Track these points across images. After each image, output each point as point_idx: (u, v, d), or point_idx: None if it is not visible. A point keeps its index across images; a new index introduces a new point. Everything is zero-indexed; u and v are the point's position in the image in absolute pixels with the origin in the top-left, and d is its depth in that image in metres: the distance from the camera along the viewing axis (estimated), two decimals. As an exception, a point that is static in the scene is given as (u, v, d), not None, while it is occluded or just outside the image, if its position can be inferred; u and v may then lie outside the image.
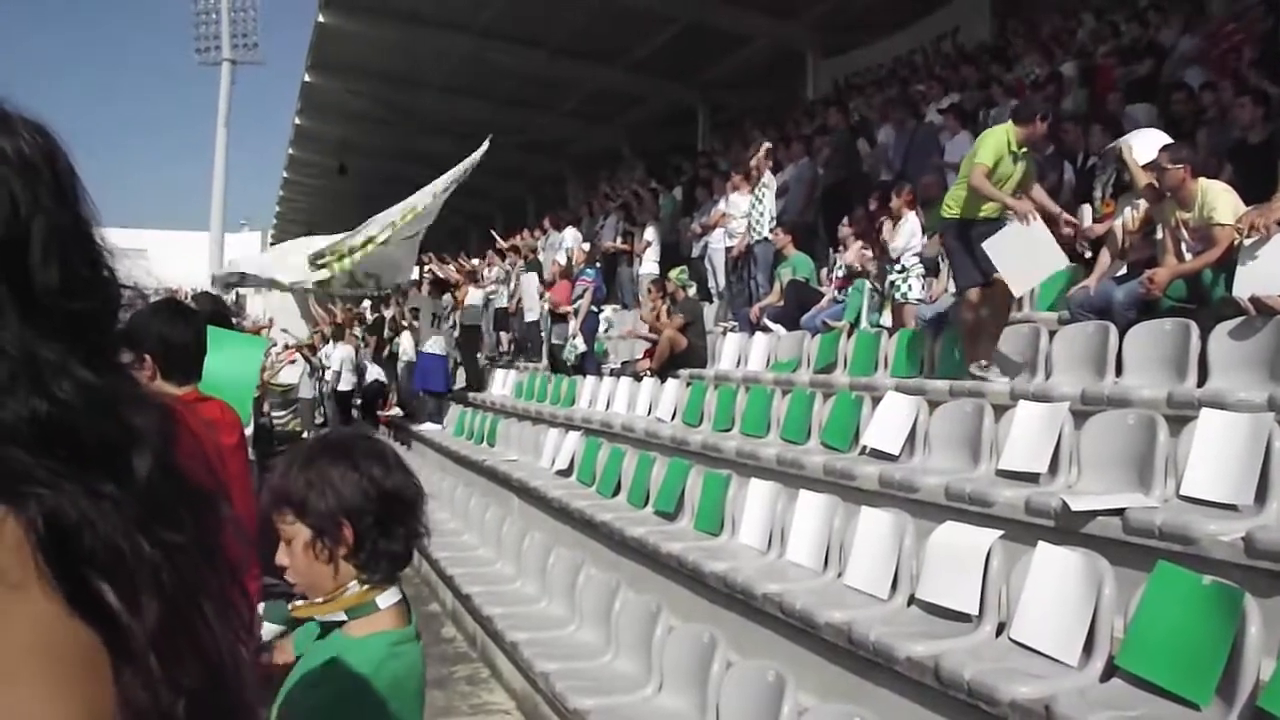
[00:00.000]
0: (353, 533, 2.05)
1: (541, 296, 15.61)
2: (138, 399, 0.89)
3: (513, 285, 18.65)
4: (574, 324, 13.97)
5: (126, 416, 0.86)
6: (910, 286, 9.22)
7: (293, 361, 23.15)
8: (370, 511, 2.05)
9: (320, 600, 2.09)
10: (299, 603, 2.15)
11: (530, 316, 15.99)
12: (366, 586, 2.08)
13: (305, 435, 21.49)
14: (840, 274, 10.62)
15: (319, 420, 21.33)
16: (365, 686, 1.95)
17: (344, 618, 2.07)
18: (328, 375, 20.25)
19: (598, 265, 15.32)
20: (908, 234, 9.36)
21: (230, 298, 18.11)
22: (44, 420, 0.81)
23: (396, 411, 18.86)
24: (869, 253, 10.23)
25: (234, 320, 7.98)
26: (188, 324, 3.49)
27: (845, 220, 10.91)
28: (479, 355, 18.19)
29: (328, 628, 2.14)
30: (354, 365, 20.00)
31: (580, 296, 14.07)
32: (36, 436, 0.80)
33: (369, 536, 2.06)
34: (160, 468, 0.86)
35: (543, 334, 16.04)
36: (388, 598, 2.09)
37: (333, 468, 2.07)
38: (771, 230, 11.88)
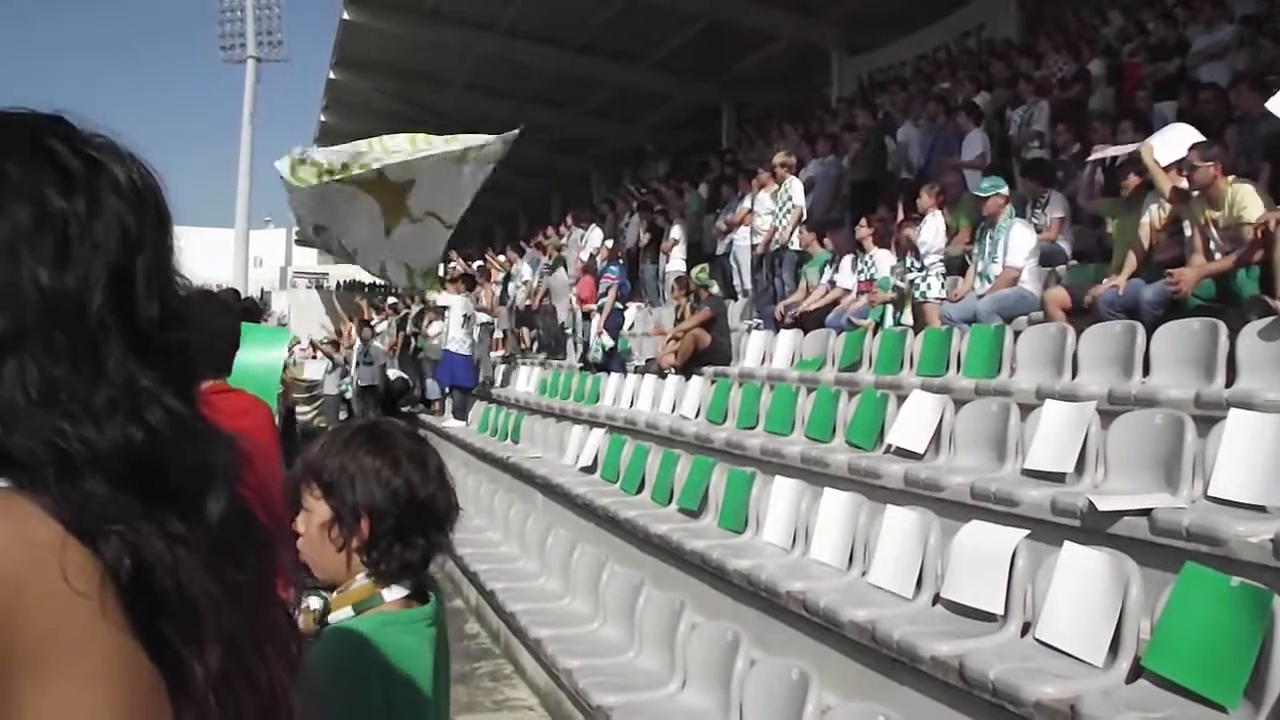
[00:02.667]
0: (370, 530, 2.01)
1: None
2: (213, 432, 0.91)
3: (536, 282, 18.72)
4: (598, 320, 13.99)
5: (207, 451, 0.88)
6: (929, 285, 9.19)
7: (314, 357, 23.27)
8: (393, 515, 2.01)
9: (334, 596, 2.06)
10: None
11: (561, 314, 16.05)
12: (374, 579, 2.04)
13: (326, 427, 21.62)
14: (863, 277, 10.57)
15: (344, 416, 21.43)
16: (327, 672, 1.87)
17: (351, 612, 2.02)
18: (353, 371, 20.35)
19: (621, 262, 15.33)
20: (932, 231, 9.34)
21: (255, 294, 18.23)
22: (137, 448, 0.82)
23: (420, 408, 18.90)
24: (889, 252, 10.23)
25: (261, 316, 8.04)
26: (225, 318, 3.52)
27: (863, 221, 10.86)
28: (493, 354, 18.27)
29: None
30: (366, 358, 20.04)
31: (605, 294, 14.09)
32: (124, 466, 0.82)
33: (386, 539, 2.02)
34: (230, 508, 0.87)
35: (567, 331, 16.08)
36: (394, 591, 2.04)
37: (370, 459, 2.03)
38: (794, 232, 11.90)
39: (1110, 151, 8.31)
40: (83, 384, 0.82)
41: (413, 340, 19.47)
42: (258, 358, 4.14)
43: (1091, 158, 8.77)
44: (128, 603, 0.78)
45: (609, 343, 13.67)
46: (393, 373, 20.35)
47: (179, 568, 0.80)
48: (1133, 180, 7.83)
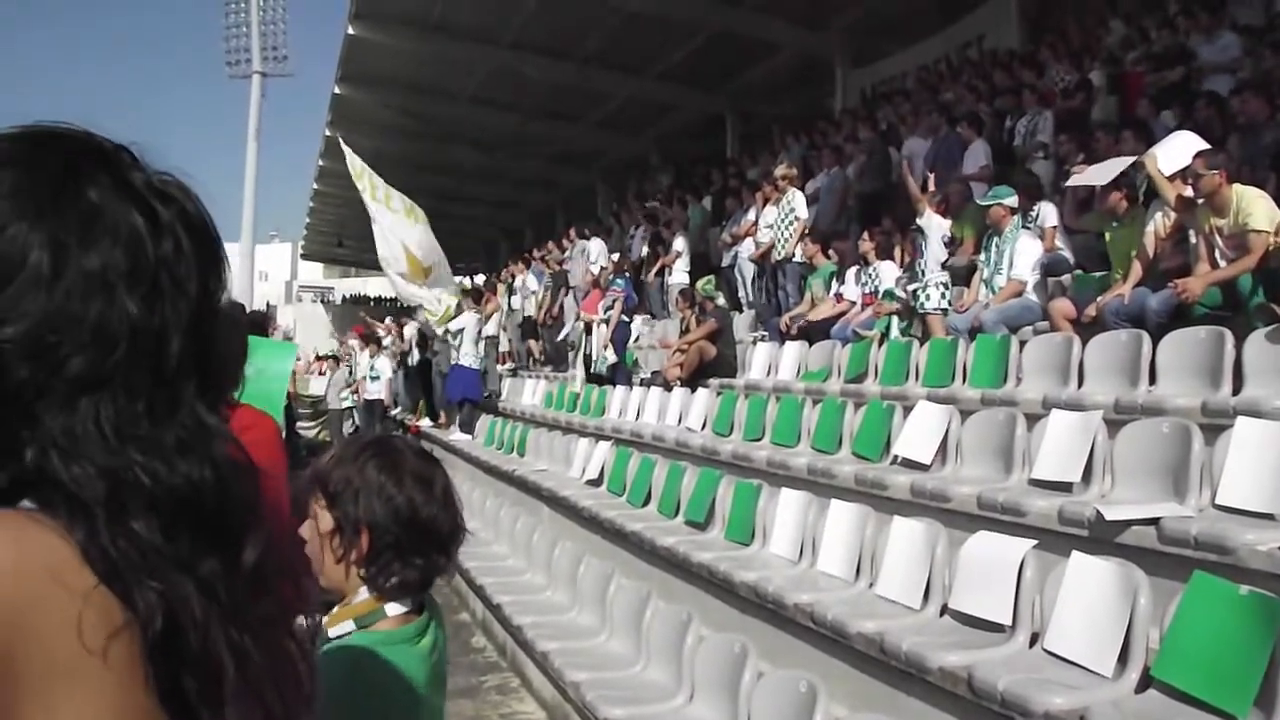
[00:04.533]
0: (369, 544, 2.01)
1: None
2: (249, 466, 0.91)
3: (541, 295, 18.72)
4: (600, 333, 13.99)
5: (253, 490, 0.89)
6: (928, 296, 9.18)
7: (322, 373, 23.32)
8: (393, 532, 2.01)
9: (334, 610, 2.06)
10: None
11: (568, 327, 16.08)
12: (375, 595, 2.04)
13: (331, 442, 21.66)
14: (867, 289, 10.57)
15: (350, 430, 21.43)
16: (323, 695, 1.87)
17: (352, 627, 2.02)
18: (365, 384, 20.36)
19: (626, 275, 15.34)
20: (934, 231, 9.33)
21: (263, 307, 18.32)
22: (206, 488, 0.83)
23: (426, 421, 18.90)
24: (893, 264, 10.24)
25: (269, 329, 8.04)
26: (234, 334, 3.52)
27: (864, 235, 10.87)
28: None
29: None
30: (373, 372, 20.10)
31: (610, 307, 14.10)
32: (188, 505, 0.82)
33: (384, 555, 2.02)
34: (265, 550, 0.88)
35: (570, 345, 16.08)
36: (396, 605, 2.04)
37: (375, 474, 2.04)
38: (798, 244, 11.92)
39: (1089, 180, 8.24)
40: (157, 423, 0.83)
41: (431, 359, 19.46)
42: (265, 372, 4.14)
43: (1070, 183, 8.70)
44: (156, 659, 0.78)
45: (612, 358, 13.67)
46: (380, 391, 20.40)
47: (207, 629, 0.80)
48: (1114, 197, 7.82)
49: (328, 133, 30.56)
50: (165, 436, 0.83)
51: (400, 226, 15.37)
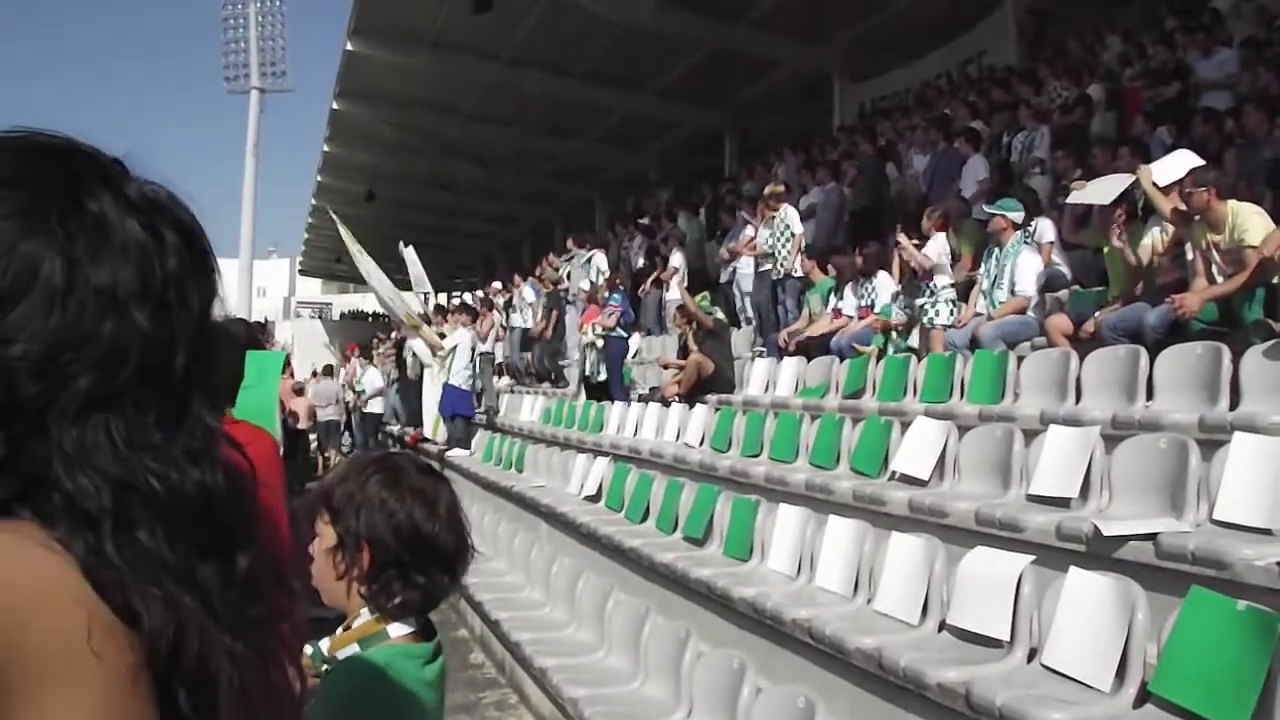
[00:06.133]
0: (370, 561, 2.00)
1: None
2: (248, 474, 0.92)
3: (538, 310, 18.73)
4: (585, 337, 14.03)
5: (250, 498, 0.90)
6: (938, 312, 9.19)
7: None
8: (394, 549, 2.00)
9: (338, 633, 2.05)
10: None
11: (571, 342, 16.13)
12: (377, 615, 2.02)
13: (328, 456, 21.68)
14: (864, 303, 10.59)
15: (345, 443, 21.42)
16: (332, 711, 1.85)
17: (356, 649, 2.00)
18: (361, 398, 20.39)
19: (622, 289, 15.35)
20: (936, 254, 9.35)
21: (259, 322, 18.40)
22: (217, 494, 0.85)
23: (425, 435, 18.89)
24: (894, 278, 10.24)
25: (264, 344, 8.04)
26: (231, 351, 3.52)
27: (856, 251, 10.89)
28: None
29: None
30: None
31: (606, 323, 14.08)
32: (198, 512, 0.83)
33: (385, 572, 2.01)
34: (258, 558, 0.88)
35: (564, 360, 16.10)
36: (399, 627, 2.02)
37: (377, 490, 2.03)
38: (796, 259, 11.94)
39: (1089, 198, 8.26)
40: (167, 433, 0.83)
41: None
42: (255, 384, 4.13)
43: (1069, 200, 8.72)
44: (151, 663, 0.78)
45: (603, 375, 13.69)
46: (378, 405, 20.42)
47: (204, 641, 0.80)
48: (1116, 214, 7.84)
49: (326, 148, 30.60)
50: (176, 445, 0.83)
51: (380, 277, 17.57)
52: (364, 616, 2.03)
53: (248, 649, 0.84)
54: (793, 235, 12.12)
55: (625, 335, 14.15)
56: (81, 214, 0.83)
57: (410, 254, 20.24)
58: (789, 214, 12.31)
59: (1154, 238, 7.61)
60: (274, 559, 0.93)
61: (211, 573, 0.83)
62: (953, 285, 9.37)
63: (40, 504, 0.79)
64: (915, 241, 9.46)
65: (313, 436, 21.79)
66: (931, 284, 9.29)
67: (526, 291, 19.75)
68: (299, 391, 19.62)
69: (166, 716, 0.79)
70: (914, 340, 9.47)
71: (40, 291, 0.80)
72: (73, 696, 0.74)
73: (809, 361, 10.49)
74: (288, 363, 19.75)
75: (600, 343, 13.86)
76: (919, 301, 9.40)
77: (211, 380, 0.89)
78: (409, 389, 20.24)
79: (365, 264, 17.27)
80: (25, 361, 0.78)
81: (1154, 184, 7.44)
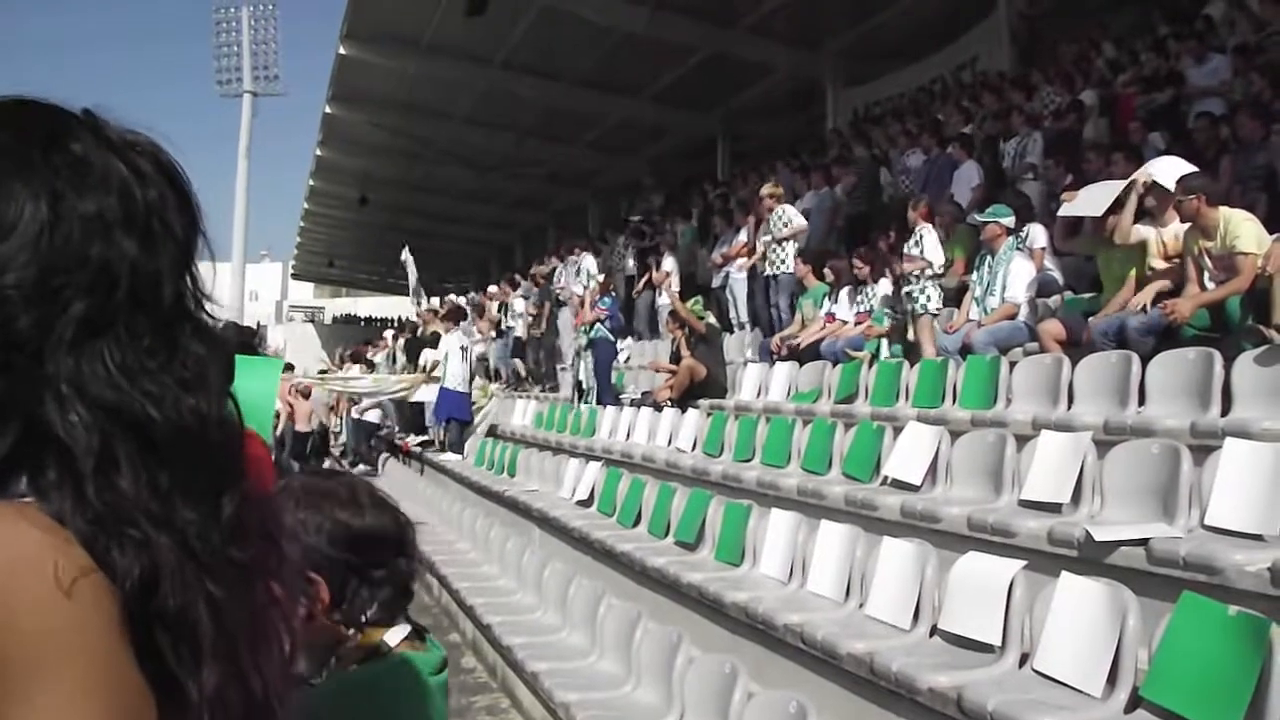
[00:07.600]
0: (328, 585, 1.86)
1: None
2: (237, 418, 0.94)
3: (533, 312, 18.74)
4: (579, 339, 14.04)
5: (236, 440, 0.91)
6: (929, 297, 9.19)
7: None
8: (340, 559, 1.88)
9: (331, 665, 1.93)
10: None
11: (565, 347, 16.14)
12: (364, 633, 1.91)
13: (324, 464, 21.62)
14: (862, 308, 10.60)
15: (339, 449, 21.36)
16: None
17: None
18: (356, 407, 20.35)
19: (613, 294, 15.33)
20: (930, 246, 9.36)
21: (250, 327, 18.37)
22: (209, 422, 0.86)
23: (414, 439, 18.88)
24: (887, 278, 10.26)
25: (258, 348, 8.02)
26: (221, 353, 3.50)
27: (855, 258, 10.90)
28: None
29: None
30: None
31: (593, 327, 14.06)
32: (189, 438, 0.84)
33: (347, 586, 1.90)
34: (243, 499, 0.89)
35: (561, 365, 16.08)
36: (395, 634, 1.93)
37: (293, 520, 1.81)
38: (795, 253, 11.96)
39: (1080, 210, 8.26)
40: (160, 362, 0.85)
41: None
42: (251, 389, 4.12)
43: (1061, 213, 8.72)
44: (127, 611, 0.78)
45: (592, 382, 13.68)
46: (374, 414, 20.38)
47: (184, 587, 0.80)
48: (1110, 222, 7.84)
49: (319, 152, 30.57)
50: (170, 373, 0.85)
51: None
52: (352, 640, 1.92)
53: (229, 594, 0.84)
54: (795, 228, 12.13)
55: (612, 340, 14.11)
56: (64, 152, 0.86)
57: (410, 262, 20.35)
58: (787, 210, 12.35)
59: (1152, 235, 7.59)
60: (263, 506, 0.94)
61: (194, 513, 0.83)
62: (938, 276, 9.38)
63: (37, 461, 0.80)
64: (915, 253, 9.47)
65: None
66: (917, 272, 9.29)
67: (517, 303, 19.77)
68: (305, 394, 19.60)
69: (151, 665, 0.79)
70: (909, 334, 9.47)
71: (29, 224, 0.82)
72: (64, 670, 0.74)
73: (801, 366, 10.49)
74: (289, 368, 19.81)
75: (584, 341, 13.85)
76: (907, 290, 9.40)
77: (199, 314, 0.91)
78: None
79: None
80: (19, 290, 0.80)
81: (1150, 178, 7.44)
